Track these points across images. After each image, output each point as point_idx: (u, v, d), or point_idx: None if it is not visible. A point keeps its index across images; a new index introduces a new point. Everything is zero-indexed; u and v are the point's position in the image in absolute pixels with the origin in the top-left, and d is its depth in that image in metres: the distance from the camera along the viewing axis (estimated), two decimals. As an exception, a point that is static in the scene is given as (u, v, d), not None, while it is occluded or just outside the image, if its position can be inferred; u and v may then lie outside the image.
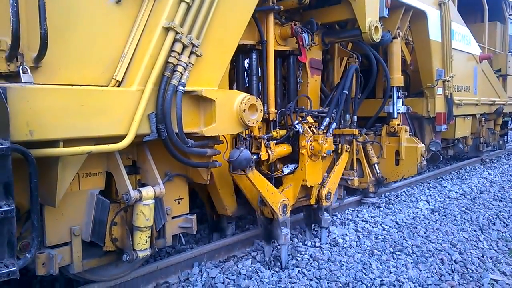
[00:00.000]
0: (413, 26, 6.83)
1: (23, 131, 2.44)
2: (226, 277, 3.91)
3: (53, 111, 2.57)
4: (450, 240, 4.98)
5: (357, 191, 6.61)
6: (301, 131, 4.41)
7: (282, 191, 4.33)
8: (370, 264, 4.26)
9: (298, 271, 4.07)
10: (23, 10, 2.54)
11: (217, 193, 4.29)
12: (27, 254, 2.42)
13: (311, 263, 4.24)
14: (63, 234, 3.06)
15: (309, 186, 4.51)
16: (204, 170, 3.72)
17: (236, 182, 4.17)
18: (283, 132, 4.63)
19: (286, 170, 4.50)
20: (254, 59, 4.66)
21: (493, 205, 6.69)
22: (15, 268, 2.30)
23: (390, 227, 5.48)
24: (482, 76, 9.19)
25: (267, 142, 4.22)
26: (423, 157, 6.33)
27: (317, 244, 4.81)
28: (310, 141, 4.42)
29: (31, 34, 2.59)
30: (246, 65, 4.96)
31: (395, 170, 6.47)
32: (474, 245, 4.92)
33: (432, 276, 4.04)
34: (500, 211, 6.31)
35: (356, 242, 4.88)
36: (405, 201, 6.80)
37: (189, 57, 3.25)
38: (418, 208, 6.42)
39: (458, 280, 3.98)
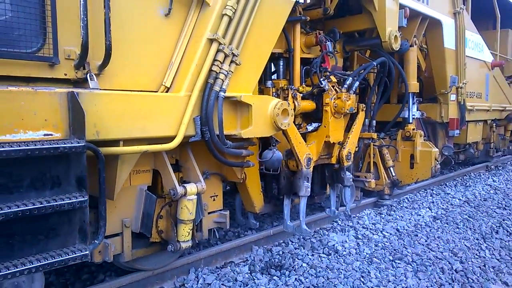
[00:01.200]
0: (429, 34, 7.09)
1: (91, 131, 2.74)
2: (222, 284, 3.90)
3: (115, 114, 2.88)
4: (451, 249, 4.94)
5: (372, 193, 6.86)
6: (326, 87, 4.66)
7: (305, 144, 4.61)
8: (369, 272, 4.24)
9: (295, 278, 4.05)
10: (90, 24, 2.85)
11: (247, 191, 4.57)
12: (95, 241, 2.73)
13: (308, 271, 4.23)
14: (115, 225, 3.37)
15: (331, 142, 4.78)
16: (239, 169, 4.02)
17: None
18: (308, 88, 4.89)
19: (310, 128, 4.79)
20: (281, 66, 4.95)
21: (497, 213, 6.61)
22: (87, 252, 2.61)
23: (390, 234, 5.44)
24: (493, 82, 9.42)
25: (294, 93, 4.48)
26: (437, 161, 6.59)
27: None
28: (334, 99, 4.71)
29: (95, 45, 2.90)
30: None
31: (409, 173, 6.74)
32: (476, 254, 4.88)
33: (431, 286, 4.01)
34: (503, 219, 6.24)
35: (356, 249, 4.86)
36: (407, 208, 6.76)
37: (229, 66, 3.55)
38: (420, 215, 6.37)
39: None
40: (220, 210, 4.17)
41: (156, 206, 3.54)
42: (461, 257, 4.70)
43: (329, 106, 4.70)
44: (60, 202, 2.49)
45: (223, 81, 3.50)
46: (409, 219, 6.15)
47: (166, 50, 3.41)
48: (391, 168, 6.59)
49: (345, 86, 4.93)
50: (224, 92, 3.52)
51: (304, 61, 5.25)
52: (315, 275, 4.13)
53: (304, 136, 4.78)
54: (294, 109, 4.48)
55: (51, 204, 2.44)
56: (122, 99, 2.94)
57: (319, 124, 4.81)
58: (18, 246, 2.46)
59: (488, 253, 4.91)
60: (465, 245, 5.10)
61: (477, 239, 5.36)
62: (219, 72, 3.47)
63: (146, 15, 3.25)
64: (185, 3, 3.49)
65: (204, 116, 3.39)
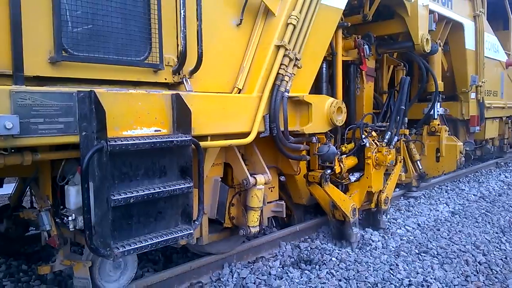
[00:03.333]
0: (451, 36, 7.50)
1: (189, 128, 3.16)
2: (257, 278, 3.99)
3: (207, 112, 3.30)
4: (473, 242, 5.04)
5: (399, 185, 7.25)
6: (367, 144, 5.06)
7: (350, 196, 4.98)
8: (397, 265, 4.32)
9: (327, 271, 4.15)
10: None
11: (296, 184, 4.98)
12: (195, 221, 3.14)
13: (338, 264, 4.33)
14: (196, 212, 3.78)
15: (374, 192, 5.16)
16: (295, 163, 4.44)
17: (311, 192, 4.86)
18: (350, 146, 5.24)
19: (353, 178, 5.14)
20: (324, 68, 5.34)
21: None
22: (191, 231, 3.03)
23: (413, 228, 5.55)
24: (508, 81, 9.85)
25: (339, 157, 4.84)
26: (462, 153, 7.00)
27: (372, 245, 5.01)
28: (375, 153, 5.09)
29: (188, 52, 3.30)
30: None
31: (435, 166, 7.16)
32: (497, 247, 4.98)
33: (458, 277, 4.11)
34: None
35: (382, 243, 4.95)
36: (424, 204, 6.85)
37: (292, 69, 3.97)
38: (438, 210, 6.48)
39: (484, 281, 4.05)
40: (276, 200, 4.58)
41: (228, 195, 3.96)
42: (483, 250, 4.83)
43: (370, 160, 5.04)
44: (173, 188, 2.91)
45: (287, 82, 3.93)
46: (428, 214, 6.28)
47: (238, 56, 3.84)
48: (418, 162, 7.01)
49: (385, 140, 5.28)
50: (288, 93, 3.94)
51: (342, 63, 5.66)
52: (345, 269, 4.24)
53: (347, 185, 5.13)
54: (341, 171, 4.84)
55: (167, 189, 2.87)
56: (211, 100, 3.37)
57: (361, 174, 5.15)
58: (135, 227, 2.87)
59: (509, 246, 5.05)
60: (486, 238, 5.24)
61: (496, 233, 5.49)
62: (285, 75, 3.89)
63: (223, 26, 3.68)
64: (252, 14, 3.92)
65: (272, 114, 3.81)
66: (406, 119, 6.53)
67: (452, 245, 4.94)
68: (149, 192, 2.79)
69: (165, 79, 3.22)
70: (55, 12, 2.57)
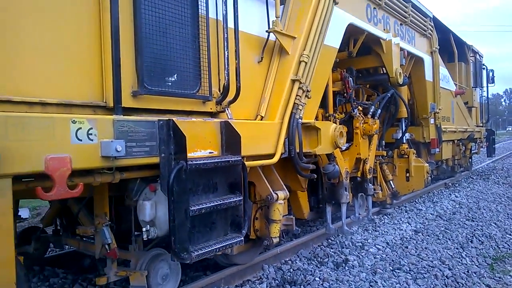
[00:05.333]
0: (413, 70, 8.54)
1: (232, 150, 3.71)
2: None
3: (245, 136, 3.84)
4: (439, 258, 5.40)
5: (375, 203, 8.03)
6: (357, 114, 5.84)
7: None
8: (376, 281, 4.59)
9: None
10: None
11: (298, 201, 5.59)
12: (243, 231, 3.64)
13: (322, 283, 4.54)
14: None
15: (362, 158, 5.93)
16: (304, 180, 5.06)
17: None
18: (341, 116, 6.07)
19: (343, 147, 5.85)
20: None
21: (467, 225, 7.24)
22: (241, 238, 3.53)
23: (383, 247, 5.86)
24: (457, 108, 11.12)
25: (334, 120, 5.66)
26: (428, 173, 7.94)
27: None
28: (362, 123, 5.88)
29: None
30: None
31: (406, 185, 8.05)
32: (459, 262, 5.37)
33: None
34: (474, 230, 6.89)
35: (358, 262, 5.22)
36: (389, 223, 7.23)
37: (304, 99, 4.63)
38: (402, 229, 6.88)
39: None
40: (286, 214, 5.14)
41: (252, 210, 4.48)
42: (448, 264, 5.18)
43: (359, 129, 5.88)
44: (228, 201, 3.43)
45: (300, 110, 4.58)
46: (394, 233, 6.66)
47: (259, 88, 4.46)
48: (391, 181, 7.84)
49: (370, 113, 6.13)
50: (301, 119, 4.59)
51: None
52: (328, 287, 4.48)
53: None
54: None
55: (225, 202, 3.38)
56: (249, 126, 3.94)
57: (350, 143, 5.94)
58: (197, 236, 3.34)
59: (469, 260, 5.47)
60: (449, 254, 5.64)
61: (457, 248, 5.92)
62: (299, 104, 4.55)
63: (249, 63, 4.30)
64: (269, 52, 4.57)
65: (291, 138, 4.43)
66: (383, 142, 7.38)
67: (421, 261, 5.30)
68: (214, 204, 3.30)
69: (211, 108, 3.76)
70: (138, 54, 3.07)
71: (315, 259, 5.38)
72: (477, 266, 5.32)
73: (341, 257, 5.36)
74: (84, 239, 4.31)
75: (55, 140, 2.48)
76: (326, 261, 5.26)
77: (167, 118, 3.10)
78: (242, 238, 3.55)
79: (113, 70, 2.87)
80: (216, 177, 3.50)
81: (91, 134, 2.65)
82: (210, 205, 3.25)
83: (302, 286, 4.49)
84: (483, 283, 4.74)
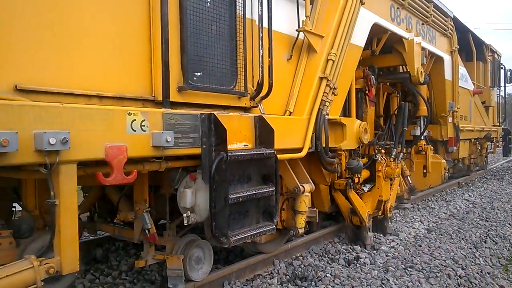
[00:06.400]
0: (433, 69, 8.67)
1: (265, 143, 3.92)
2: None
3: (277, 131, 4.05)
4: (452, 257, 5.37)
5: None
6: (379, 159, 5.99)
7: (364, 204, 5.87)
8: (388, 279, 4.58)
9: (324, 287, 4.41)
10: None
11: (320, 194, 5.79)
12: (274, 220, 3.85)
13: (333, 280, 4.55)
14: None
15: (384, 200, 6.05)
16: (328, 174, 5.26)
17: (335, 198, 5.72)
18: (364, 160, 6.13)
19: (366, 189, 6.08)
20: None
21: (481, 225, 7.20)
22: (273, 226, 3.75)
23: (397, 244, 5.89)
24: (474, 107, 11.21)
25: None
26: (446, 170, 8.08)
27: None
28: (385, 167, 6.02)
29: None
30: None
31: (423, 181, 8.20)
32: (473, 262, 5.35)
33: None
34: (488, 230, 6.85)
35: (370, 260, 5.21)
36: (401, 221, 7.21)
37: (331, 96, 4.83)
38: (414, 228, 6.86)
39: None
40: (310, 207, 5.34)
41: (279, 201, 4.69)
42: (461, 264, 5.16)
43: (381, 173, 5.98)
44: (263, 191, 3.65)
45: (327, 107, 4.78)
46: (407, 231, 6.65)
47: (288, 84, 4.67)
48: (408, 177, 8.00)
49: (392, 156, 6.26)
50: (328, 115, 4.79)
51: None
52: (340, 284, 4.46)
53: (360, 195, 5.91)
54: (358, 181, 5.74)
55: (260, 191, 3.61)
56: (280, 121, 4.16)
57: (372, 185, 6.09)
58: (233, 222, 3.56)
59: (482, 261, 5.44)
60: (462, 253, 5.61)
61: (470, 248, 5.89)
62: (326, 101, 4.74)
63: (280, 61, 4.50)
64: (298, 50, 4.77)
65: (318, 132, 4.63)
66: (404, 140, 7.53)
67: (434, 260, 5.27)
68: (250, 193, 3.53)
69: (245, 104, 3.97)
70: (183, 52, 3.30)
71: (326, 255, 5.42)
72: (490, 266, 5.31)
73: (352, 254, 5.40)
74: (120, 225, 4.57)
75: (113, 131, 2.71)
76: (337, 258, 5.30)
77: (209, 112, 3.32)
78: (274, 226, 3.77)
79: (162, 67, 3.10)
80: (250, 169, 3.72)
81: (143, 125, 2.89)
82: (246, 194, 3.48)
83: (313, 282, 4.52)
84: (496, 284, 4.77)
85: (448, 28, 8.75)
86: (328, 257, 5.35)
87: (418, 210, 8.20)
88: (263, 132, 3.81)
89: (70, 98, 2.72)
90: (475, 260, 5.43)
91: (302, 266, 4.97)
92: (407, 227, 6.88)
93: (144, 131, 2.90)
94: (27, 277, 2.41)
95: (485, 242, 6.28)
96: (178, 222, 4.35)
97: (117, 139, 2.73)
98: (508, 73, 14.68)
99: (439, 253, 5.54)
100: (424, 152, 8.21)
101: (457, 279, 4.75)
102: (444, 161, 8.12)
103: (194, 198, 3.46)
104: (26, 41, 2.52)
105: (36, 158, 2.36)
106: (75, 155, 2.51)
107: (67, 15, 2.71)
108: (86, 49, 2.82)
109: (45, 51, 2.61)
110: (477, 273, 4.99)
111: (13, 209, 4.22)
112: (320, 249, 5.59)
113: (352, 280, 4.57)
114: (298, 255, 5.33)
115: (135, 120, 2.84)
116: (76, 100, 2.74)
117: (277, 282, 4.50)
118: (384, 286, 4.44)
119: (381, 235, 6.16)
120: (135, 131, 2.84)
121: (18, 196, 4.00)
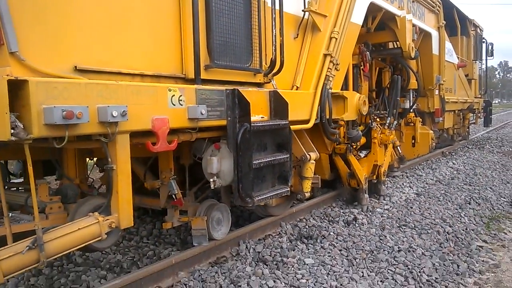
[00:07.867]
0: (422, 44, 9.10)
1: (278, 115, 4.33)
2: (271, 251, 4.52)
3: (293, 104, 4.45)
4: (440, 217, 5.90)
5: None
6: (374, 127, 6.48)
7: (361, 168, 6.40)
8: (385, 236, 5.03)
9: (328, 243, 4.77)
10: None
11: (321, 162, 6.26)
12: (288, 183, 4.30)
13: (336, 237, 4.99)
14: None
15: (379, 165, 6.56)
16: (330, 143, 5.72)
17: (335, 162, 6.19)
18: (361, 128, 6.59)
19: (362, 155, 6.57)
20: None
21: (465, 189, 7.79)
22: (288, 189, 4.21)
23: (390, 207, 6.36)
24: (459, 80, 11.75)
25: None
26: (433, 140, 8.63)
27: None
28: (380, 134, 6.51)
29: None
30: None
31: (412, 150, 8.76)
32: (459, 220, 5.91)
33: (434, 244, 4.92)
34: (472, 193, 7.45)
35: (367, 220, 5.69)
36: (391, 188, 7.69)
37: (334, 71, 5.24)
38: (405, 192, 7.36)
39: (453, 246, 4.93)
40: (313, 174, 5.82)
41: (288, 168, 5.15)
42: (449, 222, 5.69)
43: (376, 139, 6.47)
44: (280, 157, 4.10)
45: (331, 82, 5.20)
46: (398, 195, 7.15)
47: (295, 61, 5.05)
48: (398, 147, 8.51)
49: (387, 124, 6.73)
50: (331, 89, 5.21)
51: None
52: (343, 240, 4.91)
53: (358, 161, 6.42)
54: (356, 147, 6.21)
55: (277, 158, 4.05)
56: (290, 95, 4.55)
57: (368, 151, 6.59)
58: (254, 186, 3.99)
59: (467, 219, 6.00)
60: (449, 213, 6.14)
61: (456, 209, 6.43)
62: (329, 76, 5.15)
63: (288, 39, 4.87)
64: (303, 29, 5.14)
65: (322, 105, 5.06)
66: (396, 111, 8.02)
67: (425, 219, 5.81)
68: (269, 159, 3.98)
69: (259, 80, 4.36)
70: (209, 34, 3.66)
71: (326, 218, 5.85)
72: (474, 224, 5.89)
73: (350, 216, 5.84)
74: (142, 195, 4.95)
75: (158, 105, 3.10)
76: (337, 219, 5.72)
77: (233, 88, 3.71)
78: (289, 188, 4.23)
79: (194, 47, 3.46)
80: (266, 138, 4.15)
81: (181, 100, 3.27)
82: (266, 160, 3.92)
83: (318, 240, 4.96)
84: (480, 239, 5.39)
85: (436, 4, 9.16)
86: (328, 220, 5.80)
87: (407, 177, 8.71)
88: (278, 105, 4.22)
89: (118, 77, 3.08)
90: (461, 219, 5.99)
91: (307, 227, 5.43)
92: (398, 192, 7.39)
93: (182, 105, 3.28)
94: (94, 230, 2.82)
95: (469, 203, 6.86)
96: (195, 189, 4.79)
97: (161, 112, 3.11)
98: (490, 46, 15.24)
99: (429, 213, 6.09)
100: (413, 124, 8.72)
101: (446, 235, 5.29)
102: (432, 131, 8.66)
103: (219, 165, 3.88)
104: (84, 26, 2.86)
105: (99, 128, 2.74)
106: (129, 126, 2.89)
107: (115, 2, 3.04)
108: (130, 32, 3.16)
109: (99, 34, 2.95)
110: (463, 230, 5.55)
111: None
112: (321, 213, 6.05)
113: (353, 237, 5.04)
114: (302, 217, 5.79)
115: (174, 95, 3.22)
116: (122, 79, 3.10)
117: (286, 240, 4.95)
118: (382, 241, 4.91)
119: (376, 197, 6.70)
120: (174, 105, 3.22)
121: (50, 168, 4.37)
